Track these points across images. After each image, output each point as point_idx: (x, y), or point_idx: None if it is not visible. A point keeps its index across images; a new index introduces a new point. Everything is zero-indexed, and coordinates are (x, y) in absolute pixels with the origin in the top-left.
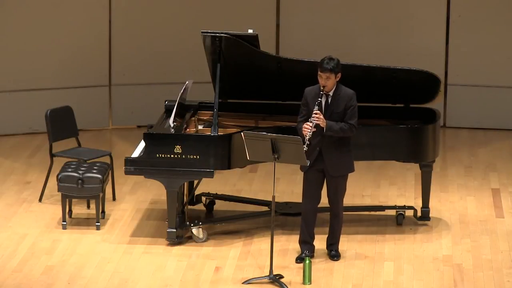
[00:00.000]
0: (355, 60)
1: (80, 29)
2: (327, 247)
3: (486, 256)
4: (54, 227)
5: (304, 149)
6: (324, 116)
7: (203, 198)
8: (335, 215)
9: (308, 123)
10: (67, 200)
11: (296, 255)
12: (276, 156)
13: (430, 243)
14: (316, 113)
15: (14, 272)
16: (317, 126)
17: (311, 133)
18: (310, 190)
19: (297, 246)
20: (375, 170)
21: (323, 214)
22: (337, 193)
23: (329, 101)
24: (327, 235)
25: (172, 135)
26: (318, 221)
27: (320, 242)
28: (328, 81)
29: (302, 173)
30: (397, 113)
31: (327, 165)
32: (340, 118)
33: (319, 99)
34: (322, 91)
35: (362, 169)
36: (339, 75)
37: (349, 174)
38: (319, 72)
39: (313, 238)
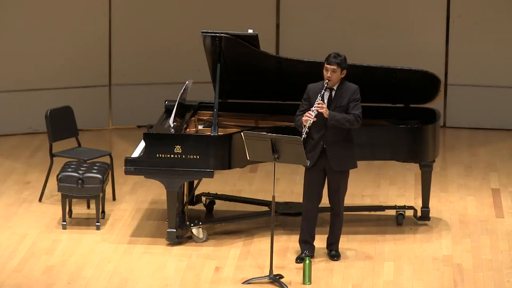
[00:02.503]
0: (355, 60)
1: (80, 29)
2: (327, 247)
3: (486, 256)
4: (54, 227)
5: (303, 136)
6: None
7: (203, 198)
8: (336, 214)
9: (309, 111)
10: (67, 200)
11: (296, 255)
12: (276, 156)
13: (430, 243)
14: (318, 103)
15: (14, 272)
16: (320, 116)
17: (311, 121)
18: (311, 190)
19: (297, 246)
20: (375, 170)
21: (323, 214)
22: (338, 191)
23: (333, 95)
24: (327, 235)
25: (172, 135)
26: (318, 221)
27: (320, 242)
28: (333, 75)
29: (302, 173)
30: (397, 113)
31: (330, 160)
32: (344, 112)
33: (323, 91)
34: (326, 84)
35: (362, 169)
36: (344, 71)
37: (350, 174)
38: (325, 65)
39: (313, 238)
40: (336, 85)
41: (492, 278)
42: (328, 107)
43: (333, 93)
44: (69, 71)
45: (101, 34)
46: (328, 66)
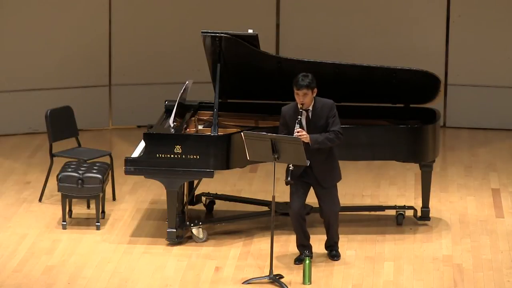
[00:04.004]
0: (355, 60)
1: (80, 29)
2: (327, 248)
3: (486, 256)
4: (54, 227)
5: (290, 168)
6: (307, 132)
7: (203, 198)
8: (330, 224)
9: None
10: (67, 200)
11: (296, 255)
12: (276, 156)
13: (430, 243)
14: (297, 131)
15: (14, 272)
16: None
17: None
18: (298, 198)
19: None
20: (375, 170)
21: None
22: (335, 204)
23: (310, 116)
24: (326, 237)
25: (172, 135)
26: (317, 221)
27: (319, 243)
28: (305, 98)
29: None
30: (397, 113)
31: (319, 179)
32: (324, 130)
33: (299, 117)
34: (301, 109)
35: (362, 169)
36: (315, 90)
37: (350, 174)
38: (295, 91)
39: (308, 238)
40: (311, 105)
41: (492, 278)
42: (308, 128)
43: (310, 113)
44: (69, 71)
45: (101, 34)
46: (298, 91)
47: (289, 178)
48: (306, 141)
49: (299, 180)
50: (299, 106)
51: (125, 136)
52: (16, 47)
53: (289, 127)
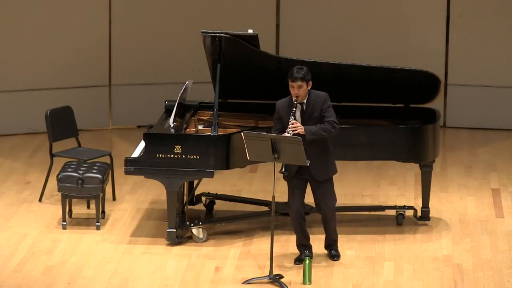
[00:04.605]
0: (355, 60)
1: (80, 29)
2: (326, 247)
3: (486, 256)
4: (54, 227)
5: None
6: (302, 124)
7: (203, 198)
8: (327, 220)
9: (285, 135)
10: (67, 200)
11: (296, 255)
12: (276, 156)
13: (430, 243)
14: (292, 123)
15: (14, 272)
16: (296, 135)
17: None
18: (297, 196)
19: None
20: (375, 170)
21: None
22: (331, 199)
23: (304, 108)
24: (324, 237)
25: (172, 135)
26: (317, 221)
27: (319, 243)
28: (300, 90)
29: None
30: (397, 113)
31: (313, 172)
32: (318, 122)
33: (294, 109)
34: (296, 101)
35: (362, 169)
36: (310, 83)
37: (350, 174)
38: (290, 83)
39: (308, 238)
40: (305, 98)
41: (492, 278)
42: (302, 121)
43: (304, 106)
44: (69, 71)
45: (101, 34)
46: (293, 83)
47: (283, 170)
48: (301, 133)
49: (296, 178)
50: (293, 98)
51: (125, 136)
52: (16, 47)
53: (283, 122)
